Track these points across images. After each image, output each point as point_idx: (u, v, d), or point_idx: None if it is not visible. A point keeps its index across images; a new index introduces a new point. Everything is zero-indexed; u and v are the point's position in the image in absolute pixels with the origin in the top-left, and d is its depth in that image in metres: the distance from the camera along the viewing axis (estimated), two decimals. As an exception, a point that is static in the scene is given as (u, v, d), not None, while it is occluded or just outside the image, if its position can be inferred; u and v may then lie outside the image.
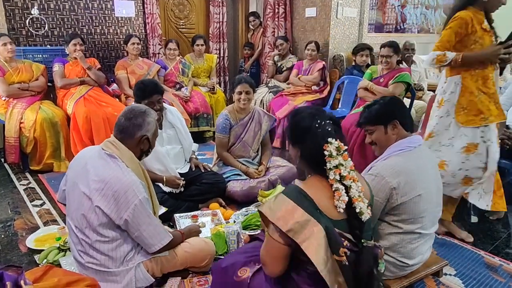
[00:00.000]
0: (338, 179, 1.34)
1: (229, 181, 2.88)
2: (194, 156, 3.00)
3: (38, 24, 4.05)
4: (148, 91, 2.52)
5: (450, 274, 2.11)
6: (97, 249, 1.69)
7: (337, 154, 1.36)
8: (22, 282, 1.08)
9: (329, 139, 1.36)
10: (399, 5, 5.44)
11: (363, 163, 3.19)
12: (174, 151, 2.80)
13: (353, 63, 4.38)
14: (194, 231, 2.08)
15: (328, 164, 1.35)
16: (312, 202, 1.32)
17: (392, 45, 3.32)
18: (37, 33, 4.05)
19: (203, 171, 2.83)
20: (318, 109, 1.51)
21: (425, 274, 1.99)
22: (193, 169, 2.85)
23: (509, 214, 2.85)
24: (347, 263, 1.29)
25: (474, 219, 2.80)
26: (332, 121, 1.43)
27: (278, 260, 1.36)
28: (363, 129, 1.94)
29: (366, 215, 1.35)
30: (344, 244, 1.32)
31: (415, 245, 1.79)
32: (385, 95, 3.17)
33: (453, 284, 2.03)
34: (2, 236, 2.44)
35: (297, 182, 1.43)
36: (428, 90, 4.55)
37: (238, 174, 2.91)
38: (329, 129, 1.39)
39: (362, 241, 1.35)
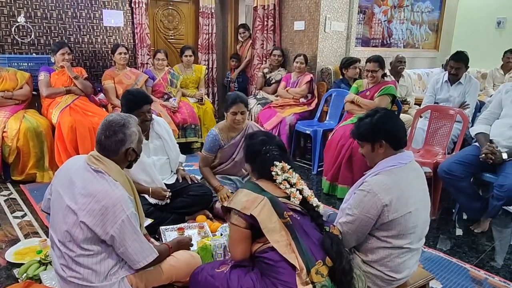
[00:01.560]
0: (289, 186, 1.65)
1: (216, 200, 2.81)
2: (182, 168, 2.95)
3: (24, 32, 4.00)
4: (140, 102, 2.47)
5: (436, 288, 2.12)
6: (80, 263, 1.64)
7: (283, 173, 1.67)
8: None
9: (275, 162, 1.68)
10: (385, 20, 5.55)
11: (350, 177, 3.22)
12: (160, 162, 2.75)
13: (341, 77, 4.43)
14: (183, 244, 2.00)
15: (277, 181, 1.66)
16: (260, 187, 1.64)
17: (378, 60, 3.37)
18: (23, 41, 4.00)
19: (190, 183, 2.79)
20: (269, 136, 1.85)
21: (411, 288, 2.00)
22: (180, 181, 2.81)
23: (493, 227, 2.89)
24: (291, 223, 1.55)
25: (459, 232, 2.83)
26: (279, 147, 1.77)
27: (240, 244, 1.61)
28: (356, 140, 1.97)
29: (321, 207, 1.69)
30: (290, 207, 1.60)
31: (403, 260, 1.79)
32: (370, 108, 3.22)
33: (439, 298, 2.04)
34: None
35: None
36: (415, 104, 4.62)
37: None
38: (276, 154, 1.72)
39: (325, 227, 1.64)
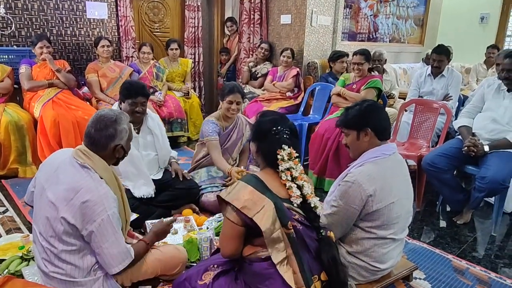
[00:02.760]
0: (290, 179, 1.53)
1: (203, 193, 2.79)
2: (175, 160, 2.90)
3: (4, 24, 3.89)
4: (134, 91, 2.49)
5: (419, 278, 2.15)
6: (62, 259, 1.61)
7: (288, 159, 1.54)
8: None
9: (283, 146, 1.55)
10: (371, 15, 5.58)
11: (337, 169, 3.24)
12: (148, 158, 2.71)
13: (328, 70, 4.43)
14: (161, 233, 1.92)
15: (280, 167, 1.54)
16: (264, 184, 1.51)
17: (364, 53, 3.39)
18: (3, 33, 3.89)
19: (181, 179, 2.74)
20: (282, 116, 1.69)
21: (396, 278, 2.02)
22: (173, 175, 2.77)
23: (475, 219, 2.95)
24: (294, 235, 1.45)
25: (442, 223, 2.88)
26: (291, 130, 1.62)
27: (233, 240, 1.51)
28: (341, 130, 1.95)
29: (320, 209, 1.56)
30: (295, 217, 1.49)
31: (387, 250, 1.82)
32: (357, 100, 3.24)
33: (422, 288, 2.07)
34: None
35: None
36: (399, 98, 4.67)
37: (215, 186, 2.82)
38: (286, 137, 1.58)
39: (321, 231, 1.55)
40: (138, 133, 2.63)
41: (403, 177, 1.85)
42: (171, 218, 2.00)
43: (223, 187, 2.79)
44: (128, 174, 2.50)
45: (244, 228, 1.48)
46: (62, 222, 1.56)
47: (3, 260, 2.06)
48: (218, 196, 1.57)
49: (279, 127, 1.60)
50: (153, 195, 2.56)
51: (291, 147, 1.56)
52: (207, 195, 2.76)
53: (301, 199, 1.52)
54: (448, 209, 3.10)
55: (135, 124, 2.57)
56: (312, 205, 1.54)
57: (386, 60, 4.58)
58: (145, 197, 2.53)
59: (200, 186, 2.82)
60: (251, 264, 1.50)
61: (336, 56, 4.27)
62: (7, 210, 2.77)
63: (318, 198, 1.57)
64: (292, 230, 1.44)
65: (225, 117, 2.89)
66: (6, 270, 1.96)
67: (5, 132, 3.25)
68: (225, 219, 1.52)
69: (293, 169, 1.54)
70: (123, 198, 1.79)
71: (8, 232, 2.46)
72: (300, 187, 1.54)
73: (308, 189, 1.55)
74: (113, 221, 1.60)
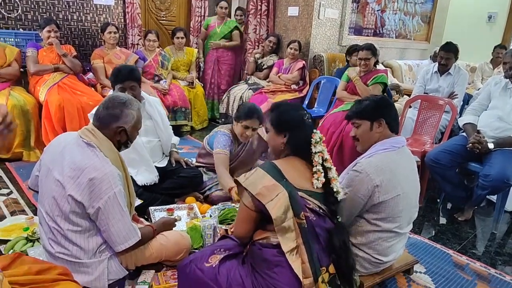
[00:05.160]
0: (321, 162, 1.54)
1: (210, 190, 2.76)
2: (175, 150, 2.88)
3: (11, 6, 3.88)
4: (121, 76, 2.43)
5: (420, 272, 2.17)
6: (68, 239, 1.63)
7: (320, 141, 1.57)
8: (-11, 270, 1.02)
9: (314, 130, 1.59)
10: (379, 10, 5.55)
11: (340, 164, 3.24)
12: (150, 145, 2.69)
13: (341, 64, 4.39)
14: (168, 224, 2.00)
15: (313, 149, 1.55)
16: (280, 172, 1.51)
17: (370, 48, 3.37)
18: (9, 15, 3.88)
19: (185, 167, 2.73)
20: (299, 104, 1.73)
21: (397, 271, 2.05)
22: (173, 164, 2.75)
23: (476, 216, 2.96)
24: (306, 226, 1.45)
25: (444, 220, 2.90)
26: (310, 116, 1.69)
27: (246, 223, 1.55)
28: (350, 122, 1.94)
29: (341, 195, 1.56)
30: (309, 206, 1.49)
31: (391, 243, 1.83)
32: (365, 94, 3.25)
33: (422, 281, 2.09)
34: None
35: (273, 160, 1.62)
36: (404, 94, 4.66)
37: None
38: (310, 121, 1.64)
39: (338, 217, 1.55)
40: None
41: (411, 171, 1.86)
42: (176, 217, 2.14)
43: None
44: (130, 160, 2.47)
45: (257, 213, 1.50)
46: (69, 200, 1.58)
47: (8, 240, 2.08)
48: (235, 180, 1.59)
49: (304, 112, 1.66)
50: (156, 182, 2.56)
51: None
52: (216, 192, 2.72)
53: (323, 180, 1.52)
54: (450, 205, 3.11)
55: None
56: (335, 190, 1.54)
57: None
58: (148, 184, 2.53)
59: (207, 186, 2.79)
60: (260, 249, 1.51)
61: (353, 49, 4.24)
62: (11, 192, 2.78)
63: (340, 183, 1.60)
64: (304, 220, 1.45)
65: (237, 138, 2.74)
66: (12, 250, 1.98)
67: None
68: (241, 203, 1.56)
69: (324, 152, 1.57)
70: (128, 180, 1.80)
71: (12, 213, 2.48)
72: (326, 170, 1.55)
73: (334, 173, 1.56)
74: (120, 198, 1.62)
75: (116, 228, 1.63)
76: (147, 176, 2.54)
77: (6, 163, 3.28)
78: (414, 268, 2.16)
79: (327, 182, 1.54)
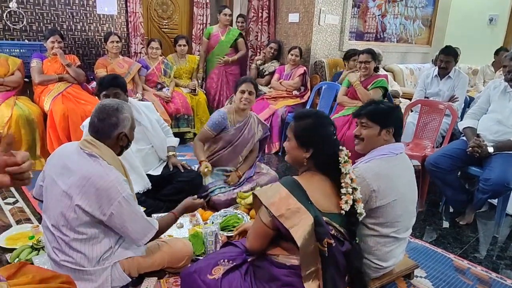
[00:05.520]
0: (350, 182, 1.47)
1: (213, 193, 2.81)
2: (173, 154, 2.86)
3: (16, 18, 3.95)
4: (105, 84, 2.49)
5: (421, 276, 2.17)
6: (73, 248, 1.66)
7: (348, 160, 1.50)
8: (-5, 279, 1.05)
9: (341, 147, 1.52)
10: (379, 15, 5.59)
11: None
12: (142, 153, 2.68)
13: (340, 69, 4.45)
14: (190, 207, 2.04)
15: (342, 169, 1.48)
16: (305, 193, 1.43)
17: (370, 52, 3.41)
18: (14, 27, 3.95)
19: (182, 171, 2.75)
20: (327, 115, 1.62)
21: (397, 276, 2.06)
22: (171, 169, 2.75)
23: (477, 220, 2.96)
24: (327, 254, 1.38)
25: (445, 224, 2.91)
26: (335, 128, 1.59)
27: (260, 239, 1.50)
28: (359, 120, 1.90)
29: (363, 215, 1.52)
30: (332, 232, 1.43)
31: (390, 249, 1.85)
32: (365, 98, 3.28)
33: (423, 286, 2.10)
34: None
35: (295, 176, 1.54)
36: (405, 98, 4.68)
37: (223, 187, 2.85)
38: (336, 137, 1.56)
39: (356, 238, 1.50)
40: None
41: (408, 177, 1.88)
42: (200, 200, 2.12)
43: (230, 187, 2.84)
44: None
45: (274, 231, 1.45)
46: (76, 210, 1.61)
47: (14, 249, 2.12)
48: (253, 194, 1.52)
49: (332, 128, 1.55)
50: (149, 188, 2.58)
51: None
52: (218, 195, 2.77)
53: (351, 203, 1.45)
54: (451, 209, 3.11)
55: None
56: (358, 211, 1.48)
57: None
58: (141, 191, 2.53)
59: (209, 189, 2.82)
60: (271, 265, 1.48)
61: (350, 54, 4.29)
62: (17, 201, 2.83)
63: (362, 206, 1.52)
64: (326, 248, 1.38)
65: (238, 110, 2.87)
66: (17, 259, 2.02)
67: (16, 126, 3.31)
68: (257, 217, 1.49)
69: (351, 171, 1.50)
70: (131, 186, 1.84)
71: (18, 222, 2.52)
72: (353, 191, 1.48)
73: (359, 193, 1.50)
74: (130, 200, 1.67)
75: (133, 227, 1.69)
76: (138, 184, 2.52)
77: (12, 172, 3.33)
78: (415, 273, 2.17)
79: (352, 204, 1.47)
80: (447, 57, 3.63)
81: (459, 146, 2.82)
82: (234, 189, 2.84)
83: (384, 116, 1.83)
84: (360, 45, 5.03)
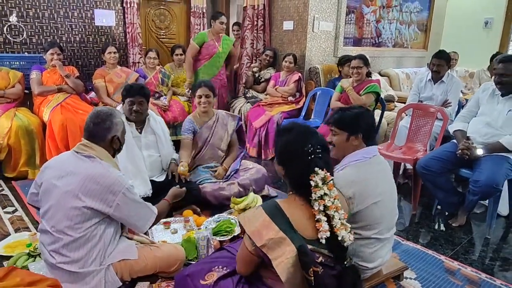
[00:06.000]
0: (322, 209, 1.38)
1: (202, 184, 2.96)
2: (174, 162, 2.99)
3: (16, 31, 4.05)
4: (133, 91, 2.69)
5: (410, 278, 2.20)
6: (72, 248, 1.72)
7: (323, 184, 1.38)
8: (-17, 281, 1.10)
9: (316, 169, 1.39)
10: (374, 20, 5.65)
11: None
12: (150, 159, 2.84)
13: (336, 75, 4.50)
14: (179, 194, 2.23)
15: (313, 195, 1.38)
16: (288, 221, 1.37)
17: (362, 57, 3.47)
18: (15, 40, 4.05)
19: (176, 181, 2.82)
20: (312, 131, 1.48)
21: (386, 278, 2.09)
22: (169, 177, 2.88)
23: (471, 222, 2.99)
24: (313, 283, 1.31)
25: (438, 226, 2.93)
26: (323, 147, 1.44)
27: (247, 265, 1.51)
28: (329, 127, 1.94)
29: (348, 242, 1.40)
30: (318, 260, 1.36)
31: (373, 250, 1.88)
32: (357, 103, 3.32)
33: (412, 287, 2.12)
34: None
35: (278, 200, 1.47)
36: (400, 102, 4.72)
37: (209, 179, 3.03)
38: (318, 156, 1.41)
39: (345, 262, 1.42)
40: (140, 132, 2.76)
41: (384, 177, 1.92)
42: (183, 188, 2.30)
43: (217, 180, 3.04)
44: (127, 171, 2.60)
45: (258, 258, 1.42)
46: (80, 208, 1.71)
47: (12, 256, 2.17)
48: (240, 223, 1.48)
49: (310, 146, 1.40)
50: (149, 195, 2.66)
51: (325, 169, 1.41)
52: (204, 186, 2.94)
53: (328, 234, 1.36)
54: (444, 212, 3.14)
55: (137, 124, 2.73)
56: (340, 238, 1.38)
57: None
58: (141, 196, 2.60)
59: (198, 180, 3.00)
60: (262, 285, 1.49)
61: (344, 60, 4.36)
62: (16, 210, 2.89)
63: (349, 228, 1.42)
64: (313, 277, 1.30)
65: (201, 113, 3.13)
66: (15, 266, 2.07)
67: (15, 136, 3.39)
68: (242, 243, 1.46)
69: (327, 196, 1.39)
70: None
71: (17, 230, 2.58)
72: (330, 218, 1.38)
73: (338, 220, 1.39)
74: (131, 191, 1.81)
75: (137, 214, 1.84)
76: (141, 189, 2.64)
77: (12, 181, 3.41)
78: (405, 274, 2.20)
79: (332, 230, 1.38)
80: (439, 61, 3.67)
81: (449, 149, 2.86)
82: (222, 182, 3.02)
83: (350, 122, 1.86)
84: (355, 51, 5.09)
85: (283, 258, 1.32)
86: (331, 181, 1.42)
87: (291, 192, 1.50)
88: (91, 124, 1.86)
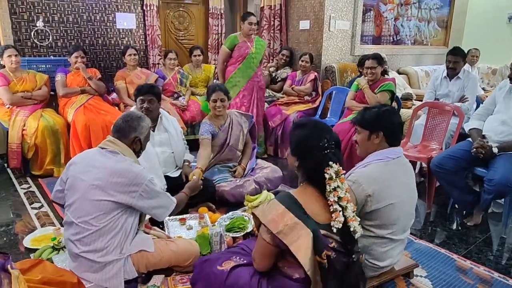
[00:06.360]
0: (336, 200, 1.45)
1: (219, 183, 3.04)
2: (187, 165, 3.10)
3: (43, 36, 4.25)
4: (143, 90, 2.84)
5: (421, 276, 2.21)
6: (95, 236, 1.83)
7: (336, 177, 1.46)
8: (8, 267, 1.19)
9: (331, 163, 1.47)
10: (392, 18, 5.60)
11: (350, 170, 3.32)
12: (164, 155, 2.96)
13: (353, 74, 4.51)
14: (195, 187, 2.40)
15: (327, 187, 1.46)
16: (301, 207, 1.44)
17: (376, 57, 3.47)
18: (41, 44, 4.25)
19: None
20: (327, 128, 1.56)
21: (396, 275, 2.11)
22: (184, 179, 2.94)
23: (489, 221, 2.95)
24: (326, 265, 1.38)
25: (453, 225, 2.91)
26: (336, 143, 1.53)
27: (266, 258, 1.53)
28: (355, 126, 2.01)
29: (358, 234, 1.48)
30: (331, 245, 1.43)
31: (385, 249, 1.90)
32: (372, 101, 3.33)
33: (422, 285, 2.13)
34: (5, 239, 2.58)
35: (291, 190, 1.55)
36: (418, 100, 4.67)
37: (227, 178, 3.11)
38: (333, 151, 1.50)
39: (353, 256, 1.47)
40: (153, 131, 2.89)
41: (406, 180, 1.93)
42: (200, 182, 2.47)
43: (234, 178, 3.11)
44: None
45: (276, 248, 1.46)
46: (106, 198, 1.83)
47: (38, 249, 2.31)
48: (254, 216, 1.56)
49: (325, 141, 1.49)
50: (165, 190, 2.74)
51: (338, 163, 1.49)
52: (221, 184, 3.01)
53: (342, 221, 1.43)
54: (460, 211, 3.11)
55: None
56: (352, 229, 1.46)
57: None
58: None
59: (215, 179, 3.07)
60: (279, 275, 1.52)
61: (364, 60, 4.32)
62: (42, 206, 3.06)
63: (359, 221, 1.50)
64: (326, 260, 1.38)
65: (215, 116, 3.17)
66: (40, 258, 2.20)
67: (41, 136, 3.57)
68: (259, 236, 1.51)
69: (340, 188, 1.46)
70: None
71: (43, 225, 2.73)
72: (343, 209, 1.46)
73: (351, 211, 1.46)
74: (153, 182, 1.93)
75: (158, 203, 1.96)
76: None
77: (39, 179, 3.59)
78: (416, 272, 2.21)
79: (344, 221, 1.45)
80: (455, 58, 3.64)
81: (464, 147, 2.84)
82: (238, 180, 3.10)
83: (371, 121, 1.90)
84: (373, 49, 5.08)
85: (300, 242, 1.38)
86: (343, 175, 1.50)
87: (302, 184, 1.57)
88: (121, 120, 2.03)
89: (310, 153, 1.51)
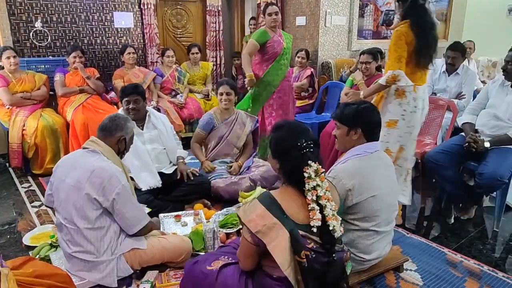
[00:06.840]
0: (315, 199, 1.48)
1: (215, 179, 3.07)
2: (182, 161, 3.10)
3: (41, 36, 4.30)
4: (127, 91, 2.86)
5: (410, 270, 2.24)
6: (84, 237, 1.89)
7: (315, 176, 1.48)
8: (-1, 264, 1.25)
9: (310, 162, 1.49)
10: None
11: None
12: (155, 152, 2.96)
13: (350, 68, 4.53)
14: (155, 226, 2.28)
15: (306, 185, 1.48)
16: (281, 208, 1.48)
17: (371, 52, 3.48)
18: (40, 44, 4.30)
19: (185, 180, 2.93)
20: (302, 128, 1.61)
21: (385, 269, 2.14)
22: (178, 177, 2.96)
23: (484, 215, 2.97)
24: (306, 264, 1.42)
25: (446, 219, 2.93)
26: (314, 142, 1.55)
27: (248, 257, 1.58)
28: (335, 121, 2.04)
29: (338, 233, 1.49)
30: (309, 246, 1.45)
31: (371, 242, 1.94)
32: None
33: (411, 279, 2.17)
34: (8, 236, 2.64)
35: (271, 191, 1.58)
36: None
37: (221, 174, 3.14)
38: (311, 151, 1.51)
39: (334, 255, 1.49)
40: (142, 129, 2.92)
41: (385, 173, 1.97)
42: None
43: (229, 174, 3.17)
44: (133, 167, 2.75)
45: (257, 247, 1.49)
46: (85, 198, 1.88)
47: (36, 246, 2.37)
48: (239, 217, 1.57)
49: (303, 141, 1.51)
50: (159, 186, 2.80)
51: (317, 162, 1.50)
52: (216, 181, 3.06)
53: (320, 222, 1.46)
54: (454, 205, 3.13)
55: (138, 121, 2.86)
56: (331, 228, 1.47)
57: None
58: (151, 188, 2.76)
59: (210, 177, 3.12)
60: (262, 274, 1.57)
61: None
62: (42, 204, 3.12)
63: (340, 220, 1.51)
64: (305, 259, 1.41)
65: (222, 109, 3.30)
66: (38, 255, 2.27)
67: (41, 135, 3.63)
68: (242, 236, 1.55)
69: (319, 187, 1.48)
70: (129, 181, 2.10)
71: (42, 223, 2.79)
72: (322, 208, 1.48)
73: (330, 210, 1.48)
74: (127, 188, 1.96)
75: (130, 213, 1.96)
76: (149, 181, 2.78)
77: (39, 178, 3.66)
78: (406, 266, 2.25)
79: (324, 220, 1.47)
80: (454, 53, 3.64)
81: (456, 142, 2.85)
82: (234, 177, 3.14)
83: (350, 117, 1.93)
84: (370, 44, 5.07)
85: (277, 242, 1.42)
86: (323, 174, 1.51)
87: (283, 184, 1.60)
88: (107, 120, 2.10)
89: (288, 154, 1.53)
